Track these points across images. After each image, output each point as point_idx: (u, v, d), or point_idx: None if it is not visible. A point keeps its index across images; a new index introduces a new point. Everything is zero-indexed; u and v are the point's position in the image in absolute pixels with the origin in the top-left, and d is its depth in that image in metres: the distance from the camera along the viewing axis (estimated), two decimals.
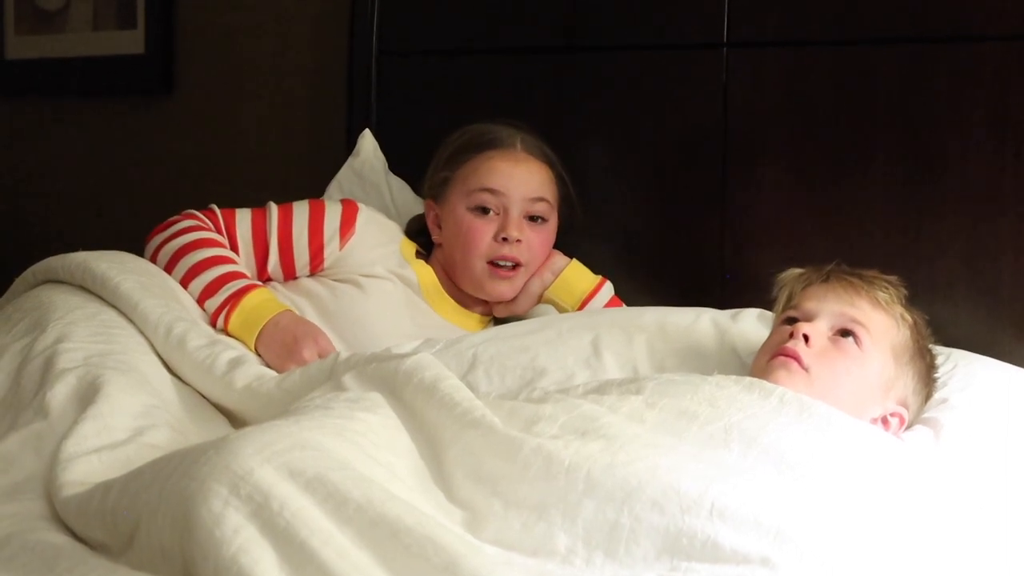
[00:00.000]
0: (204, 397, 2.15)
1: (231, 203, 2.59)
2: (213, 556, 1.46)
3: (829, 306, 2.05)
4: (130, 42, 3.68)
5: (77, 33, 3.81)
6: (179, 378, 2.18)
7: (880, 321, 2.04)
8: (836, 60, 2.56)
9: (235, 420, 2.12)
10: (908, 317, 2.07)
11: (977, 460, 2.00)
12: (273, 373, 2.10)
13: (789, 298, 2.12)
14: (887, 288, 2.08)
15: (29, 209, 4.04)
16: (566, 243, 2.64)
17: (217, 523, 1.49)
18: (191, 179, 3.62)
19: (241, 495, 1.51)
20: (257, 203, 2.59)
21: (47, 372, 2.04)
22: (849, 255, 2.24)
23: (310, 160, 3.36)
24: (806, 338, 2.00)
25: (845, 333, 2.02)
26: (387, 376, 1.88)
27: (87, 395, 1.97)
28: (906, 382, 2.05)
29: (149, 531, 1.57)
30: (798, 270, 2.16)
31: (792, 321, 2.06)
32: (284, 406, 1.98)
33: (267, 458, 1.55)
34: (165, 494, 1.56)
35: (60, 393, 1.98)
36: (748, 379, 1.93)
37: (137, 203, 3.73)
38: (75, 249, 2.44)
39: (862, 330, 2.02)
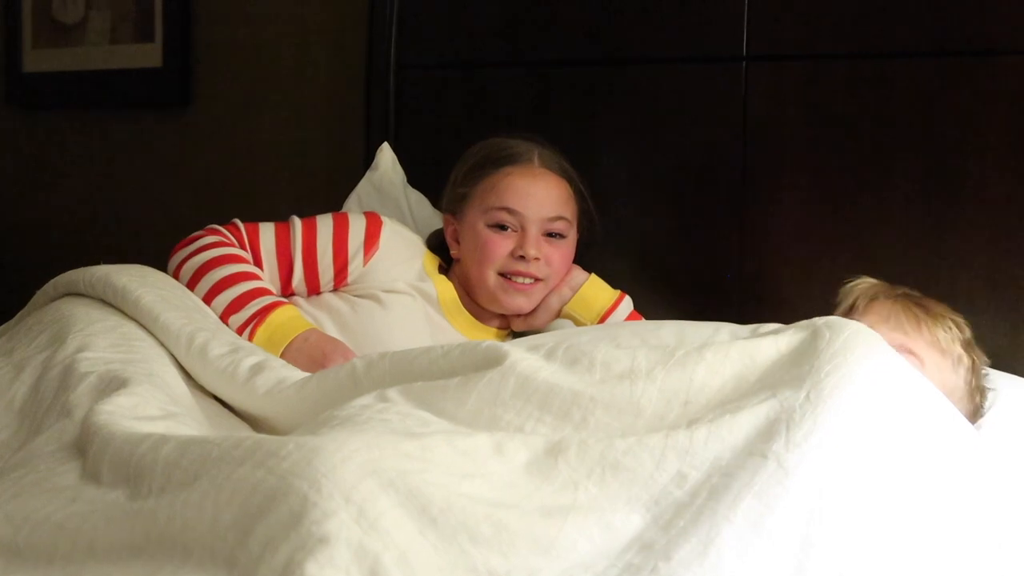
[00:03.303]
0: (227, 407, 2.14)
1: (248, 216, 2.59)
2: (290, 545, 1.48)
3: (887, 332, 2.01)
4: (148, 55, 3.69)
5: (95, 46, 3.82)
6: (201, 391, 2.17)
7: (935, 360, 2.01)
8: (856, 73, 2.56)
9: (260, 429, 2.11)
10: (966, 359, 2.04)
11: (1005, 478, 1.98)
12: (293, 378, 2.08)
13: (851, 308, 2.09)
14: (950, 328, 2.05)
15: (48, 222, 4.05)
16: (585, 257, 2.63)
17: (298, 521, 1.50)
18: (209, 192, 3.63)
19: (323, 493, 1.52)
20: (274, 216, 2.58)
21: (67, 378, 2.04)
22: (868, 270, 2.23)
23: (328, 173, 3.36)
24: None
25: None
26: (435, 393, 1.88)
27: (110, 389, 1.97)
28: None
29: (206, 497, 1.58)
30: (871, 280, 2.13)
31: None
32: (306, 412, 1.99)
33: (346, 457, 1.57)
34: (237, 476, 1.58)
35: (83, 393, 1.98)
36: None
37: (155, 216, 3.74)
38: (94, 262, 2.44)
39: (915, 361, 1.99)
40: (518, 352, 1.87)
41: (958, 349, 2.04)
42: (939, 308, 2.07)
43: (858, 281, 2.15)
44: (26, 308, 2.41)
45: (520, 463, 1.73)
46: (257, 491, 1.56)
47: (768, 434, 1.71)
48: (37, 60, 3.99)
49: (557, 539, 1.62)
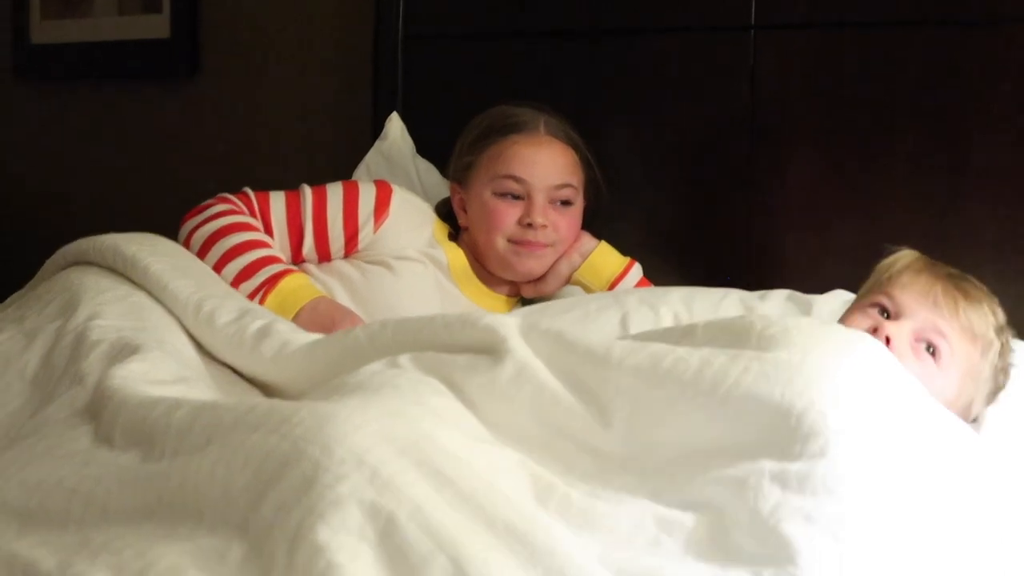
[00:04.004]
0: (237, 374, 2.15)
1: (257, 185, 2.60)
2: (301, 509, 1.49)
3: (923, 312, 2.00)
4: (155, 26, 3.69)
5: (102, 17, 3.83)
6: (211, 358, 2.18)
7: (965, 347, 2.00)
8: (864, 43, 2.56)
9: (269, 395, 2.12)
10: (996, 343, 2.04)
11: (1017, 453, 1.99)
12: (298, 341, 2.09)
13: (892, 279, 2.08)
14: (986, 315, 2.04)
15: (56, 192, 4.06)
16: (593, 225, 2.64)
17: (309, 485, 1.51)
18: (218, 162, 3.63)
19: (335, 458, 1.53)
20: (283, 186, 2.59)
21: (79, 346, 2.04)
22: (877, 239, 2.23)
23: (336, 143, 3.36)
24: (887, 340, 1.97)
25: (928, 346, 1.99)
26: (447, 366, 1.88)
27: (121, 355, 1.98)
28: (974, 400, 2.04)
29: (219, 461, 1.59)
30: (914, 254, 2.10)
31: (880, 308, 2.03)
32: (311, 378, 1.99)
33: (359, 424, 1.58)
34: (251, 442, 1.59)
35: (95, 360, 1.99)
36: None
37: (163, 186, 3.74)
38: (102, 231, 2.44)
39: (946, 345, 1.99)
40: (515, 340, 1.85)
41: (990, 334, 2.03)
42: (977, 292, 2.05)
43: (902, 253, 2.13)
44: (36, 277, 2.42)
45: None
46: (270, 456, 1.57)
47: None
48: (45, 31, 3.99)
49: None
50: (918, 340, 1.99)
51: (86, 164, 3.98)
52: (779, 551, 1.55)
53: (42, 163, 4.12)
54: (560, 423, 1.77)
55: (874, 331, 1.97)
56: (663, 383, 1.73)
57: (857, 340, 1.84)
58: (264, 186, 2.59)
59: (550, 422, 1.77)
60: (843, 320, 2.07)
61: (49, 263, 2.42)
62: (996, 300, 2.08)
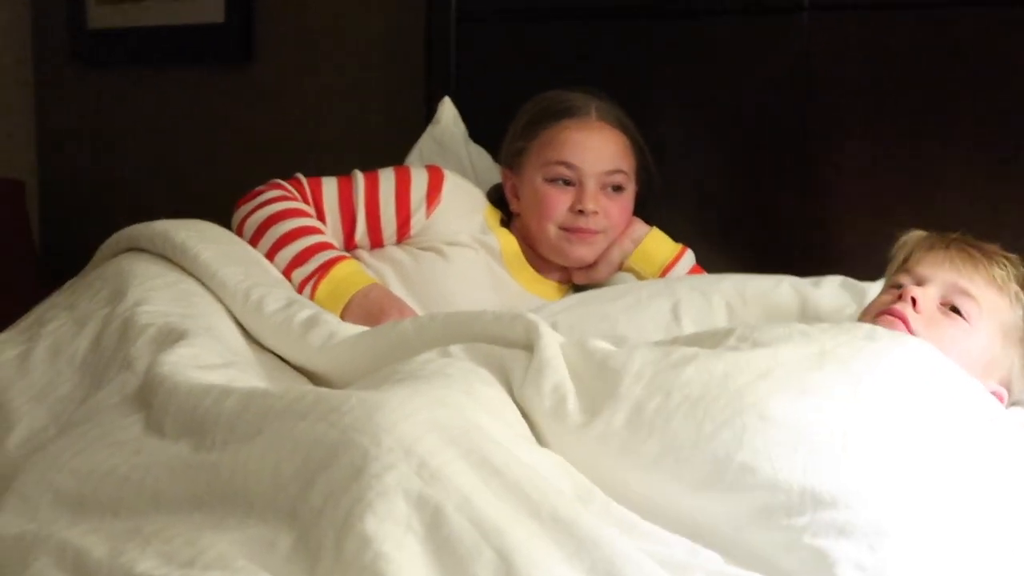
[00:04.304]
0: (284, 362, 2.16)
1: (309, 171, 2.60)
2: (350, 498, 1.50)
3: (943, 275, 2.02)
4: (210, 10, 3.70)
5: (158, 2, 3.84)
6: (259, 346, 2.19)
7: (992, 298, 2.01)
8: (919, 24, 2.53)
9: (316, 383, 2.12)
10: (1023, 296, 2.04)
11: None
12: (345, 332, 2.10)
13: (905, 260, 2.10)
14: (1005, 265, 2.04)
15: (111, 177, 4.09)
16: (645, 211, 2.62)
17: (358, 474, 1.52)
18: (271, 148, 3.64)
19: (383, 447, 1.54)
20: (336, 171, 2.59)
21: (128, 330, 2.06)
22: (932, 223, 2.21)
23: (389, 127, 3.37)
24: (914, 302, 1.98)
25: (954, 308, 2.00)
26: (497, 357, 1.88)
27: (169, 340, 1.99)
28: (1011, 363, 2.03)
29: (268, 450, 1.60)
30: (922, 232, 2.14)
31: (902, 286, 2.04)
32: (358, 369, 2.00)
33: (408, 413, 1.59)
34: (300, 431, 1.60)
35: (143, 345, 2.01)
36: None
37: (217, 171, 3.76)
38: (156, 217, 2.45)
39: (972, 303, 1.99)
40: (546, 339, 1.85)
41: (1014, 286, 2.03)
42: (991, 247, 2.07)
43: (907, 235, 2.14)
44: (90, 263, 2.43)
45: None
46: (319, 445, 1.58)
47: None
48: (101, 17, 4.01)
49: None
50: (944, 304, 2.00)
51: (141, 149, 4.01)
52: (816, 565, 1.56)
53: (97, 148, 4.15)
54: None
55: (899, 298, 1.99)
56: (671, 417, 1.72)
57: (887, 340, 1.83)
58: (317, 172, 2.60)
59: None
60: (869, 306, 2.07)
61: (101, 249, 2.43)
62: (1015, 257, 2.08)
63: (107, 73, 4.09)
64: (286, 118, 3.64)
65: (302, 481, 1.56)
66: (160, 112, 3.95)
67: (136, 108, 4.01)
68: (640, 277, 2.56)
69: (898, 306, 1.99)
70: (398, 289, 2.46)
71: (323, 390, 1.72)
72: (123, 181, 4.05)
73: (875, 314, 2.01)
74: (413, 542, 1.49)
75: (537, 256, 2.58)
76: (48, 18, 4.21)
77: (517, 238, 2.58)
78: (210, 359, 1.93)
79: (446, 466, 1.54)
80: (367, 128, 3.45)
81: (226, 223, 2.49)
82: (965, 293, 2.00)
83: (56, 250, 4.24)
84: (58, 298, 2.30)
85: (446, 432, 1.58)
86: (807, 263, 2.57)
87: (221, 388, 1.75)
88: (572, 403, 1.76)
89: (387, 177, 2.54)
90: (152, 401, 1.83)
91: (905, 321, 1.96)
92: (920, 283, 2.02)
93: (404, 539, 1.49)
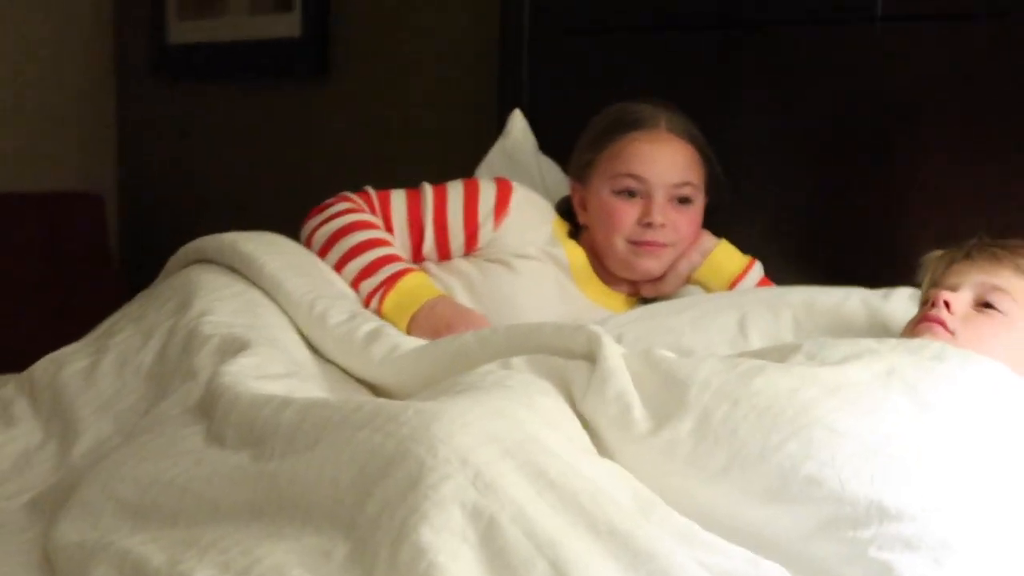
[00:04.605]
0: (348, 375, 2.17)
1: (383, 185, 2.61)
2: (405, 508, 1.51)
3: (971, 278, 2.01)
4: (286, 25, 3.72)
5: (235, 17, 3.88)
6: (322, 357, 2.20)
7: (1023, 287, 2.00)
8: (996, 32, 2.49)
9: (379, 395, 2.13)
10: None
11: None
12: (407, 346, 2.10)
13: (932, 279, 2.09)
14: None
15: (190, 191, 4.13)
16: (714, 223, 2.61)
17: (414, 484, 1.52)
18: (345, 161, 3.66)
19: (439, 457, 1.54)
20: (408, 184, 2.60)
21: (191, 341, 2.09)
22: (1010, 232, 2.19)
23: (463, 141, 3.37)
24: (947, 305, 1.97)
25: (989, 305, 1.98)
26: (559, 369, 1.87)
27: (232, 350, 2.01)
28: None
29: (326, 460, 1.61)
30: (939, 252, 2.13)
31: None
32: (420, 381, 2.01)
33: (465, 424, 1.59)
34: (357, 441, 1.61)
35: (206, 355, 2.03)
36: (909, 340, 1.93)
37: (292, 184, 3.79)
38: (232, 228, 2.49)
39: (1005, 296, 1.98)
40: (609, 349, 1.84)
41: None
42: (1014, 242, 2.08)
43: (927, 256, 2.14)
44: (161, 274, 2.46)
45: None
46: (375, 455, 1.58)
47: None
48: (182, 31, 4.06)
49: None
50: (979, 304, 1.99)
51: (219, 162, 4.05)
52: None
53: (177, 161, 4.19)
54: None
55: (932, 305, 1.99)
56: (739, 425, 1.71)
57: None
58: (390, 185, 2.61)
59: None
60: (907, 324, 2.06)
61: (172, 260, 2.46)
62: None
63: (187, 87, 4.13)
64: (359, 133, 3.66)
65: (359, 491, 1.56)
66: (238, 126, 3.99)
67: (215, 122, 4.05)
68: (708, 290, 2.55)
69: (932, 312, 1.97)
70: (466, 302, 2.46)
71: (381, 401, 1.72)
72: (202, 194, 4.09)
73: (913, 327, 1.99)
74: (467, 552, 1.49)
75: (605, 268, 2.57)
76: (130, 33, 4.26)
77: (585, 250, 2.57)
78: (272, 369, 1.95)
79: (501, 477, 1.54)
80: (441, 142, 3.46)
81: (301, 235, 2.51)
82: (996, 288, 1.99)
83: (136, 263, 4.28)
84: (128, 310, 2.33)
85: (502, 443, 1.58)
86: (882, 275, 2.54)
87: (280, 399, 1.76)
88: (637, 412, 1.75)
89: (455, 190, 2.55)
90: (213, 411, 1.84)
91: (942, 323, 1.95)
92: (951, 291, 2.01)
93: (459, 549, 1.49)
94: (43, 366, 2.20)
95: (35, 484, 2.00)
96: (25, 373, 2.23)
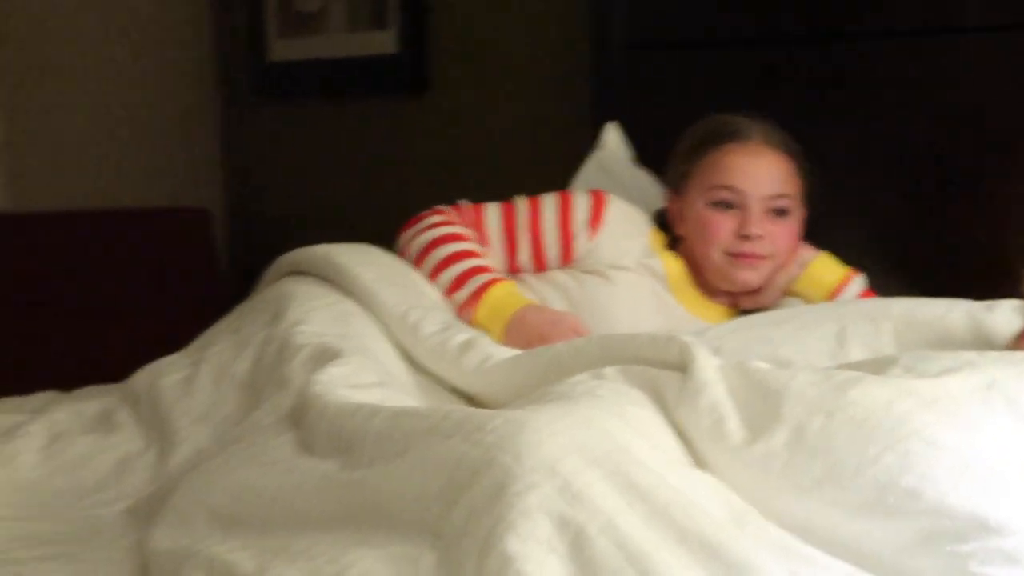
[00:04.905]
0: (440, 384, 2.17)
1: (479, 197, 2.62)
2: (492, 517, 1.50)
3: None
4: (383, 42, 3.75)
5: (334, 35, 3.91)
6: (415, 367, 2.21)
7: None
8: None
9: (472, 405, 2.13)
10: None
11: None
12: (500, 355, 2.10)
13: None
14: None
15: (293, 206, 4.16)
16: (811, 236, 2.58)
17: (500, 493, 1.51)
18: (441, 177, 3.67)
19: (526, 466, 1.53)
20: (506, 197, 2.61)
21: (284, 351, 2.11)
22: None
23: (558, 156, 3.36)
24: None
25: None
26: (651, 379, 1.86)
27: (324, 359, 2.02)
28: None
29: (413, 469, 1.61)
30: None
31: None
32: (512, 391, 2.00)
33: (553, 433, 1.58)
34: (444, 449, 1.61)
35: (298, 364, 2.05)
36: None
37: (390, 198, 3.80)
38: (333, 242, 2.50)
39: None
40: (703, 361, 1.82)
41: None
42: None
43: None
44: (258, 286, 2.48)
45: None
46: (462, 464, 1.58)
47: None
48: (282, 50, 4.09)
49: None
50: None
51: (321, 178, 4.08)
52: None
53: (279, 177, 4.23)
54: None
55: None
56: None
57: None
58: (488, 199, 2.61)
59: None
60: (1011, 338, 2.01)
61: (267, 273, 2.49)
62: None
63: (287, 104, 4.17)
64: (455, 148, 3.67)
65: (446, 500, 1.56)
66: (337, 142, 4.01)
67: (315, 138, 4.08)
68: (808, 301, 2.52)
69: None
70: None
71: (469, 409, 1.73)
72: (304, 209, 4.12)
73: (1017, 340, 1.96)
74: (555, 563, 1.48)
75: (704, 280, 2.55)
76: (233, 51, 4.31)
77: (683, 262, 2.56)
78: (363, 378, 1.95)
79: (589, 487, 1.53)
80: (537, 157, 3.45)
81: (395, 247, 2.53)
82: None
83: (242, 277, 4.32)
84: (225, 322, 2.36)
85: (590, 453, 1.57)
86: (982, 288, 2.50)
87: (369, 407, 1.77)
88: (731, 423, 1.73)
89: (549, 202, 2.55)
90: (303, 420, 1.85)
91: None
92: None
93: (546, 559, 1.48)
94: (142, 376, 2.24)
95: (133, 491, 2.04)
96: (126, 383, 2.27)
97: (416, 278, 2.43)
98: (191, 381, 2.17)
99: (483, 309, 2.38)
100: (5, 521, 1.93)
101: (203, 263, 4.06)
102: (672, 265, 2.54)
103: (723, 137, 2.51)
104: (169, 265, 3.91)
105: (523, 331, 2.34)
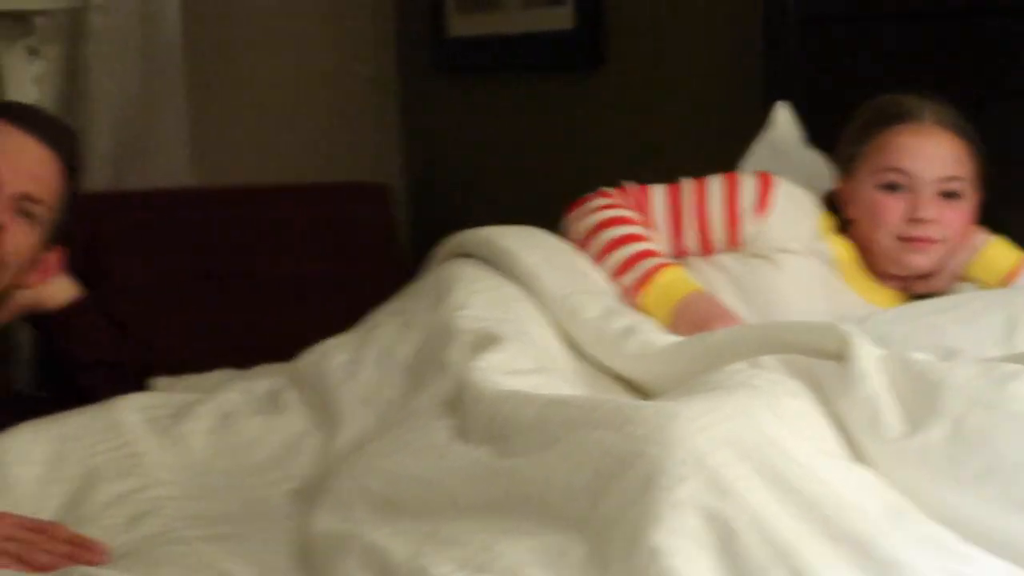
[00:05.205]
0: (600, 369, 2.17)
1: (653, 178, 2.61)
2: (640, 510, 1.51)
3: None
4: (559, 17, 3.74)
5: (511, 11, 3.92)
6: (576, 352, 2.21)
7: None
8: None
9: (632, 390, 2.13)
10: None
11: None
12: (661, 342, 2.10)
13: None
14: None
15: (472, 181, 4.20)
16: (993, 220, 2.52)
17: (649, 486, 1.52)
18: (616, 153, 3.66)
19: (675, 459, 1.53)
20: (674, 177, 2.60)
21: (445, 335, 2.12)
22: None
23: (730, 134, 3.34)
24: None
25: None
26: (810, 369, 1.85)
27: (483, 345, 2.04)
28: None
29: (563, 459, 1.62)
30: None
31: None
32: (671, 377, 2.00)
33: (703, 425, 1.58)
34: (594, 440, 1.62)
35: (458, 349, 2.06)
36: None
37: (568, 175, 3.80)
38: (505, 221, 2.52)
39: None
40: (861, 351, 1.79)
41: None
42: None
43: None
44: (425, 268, 2.51)
45: None
46: (610, 455, 1.58)
47: None
48: (460, 25, 4.12)
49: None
50: None
51: (498, 154, 4.10)
52: None
53: (458, 153, 4.26)
54: None
55: None
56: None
57: None
58: (660, 179, 2.60)
59: None
60: None
61: (435, 254, 2.51)
62: None
63: (465, 80, 4.20)
64: (630, 124, 3.65)
65: (595, 491, 1.57)
66: (515, 118, 4.03)
67: (493, 114, 4.11)
68: (982, 287, 2.47)
69: None
70: (728, 296, 2.44)
71: (621, 400, 1.73)
72: (482, 185, 4.15)
73: None
74: (703, 557, 1.49)
75: (873, 264, 2.51)
76: (412, 28, 4.35)
77: (853, 245, 2.52)
78: (521, 364, 1.97)
79: (739, 481, 1.53)
80: (710, 134, 3.43)
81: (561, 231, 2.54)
82: None
83: (421, 254, 4.36)
84: (392, 304, 2.39)
85: (741, 446, 1.57)
86: None
87: (523, 395, 1.78)
88: (889, 415, 1.71)
89: (716, 184, 2.53)
90: (459, 406, 1.88)
91: None
92: None
93: (694, 553, 1.48)
94: (310, 357, 2.28)
95: (299, 473, 2.07)
96: (293, 363, 2.31)
97: (581, 261, 2.44)
98: (356, 363, 2.20)
99: (651, 293, 2.38)
100: (174, 500, 1.99)
101: (382, 239, 4.10)
102: (841, 249, 2.51)
103: (893, 118, 2.46)
104: (348, 241, 3.95)
105: (690, 317, 2.33)
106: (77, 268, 2.54)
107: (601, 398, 1.78)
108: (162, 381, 2.50)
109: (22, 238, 2.28)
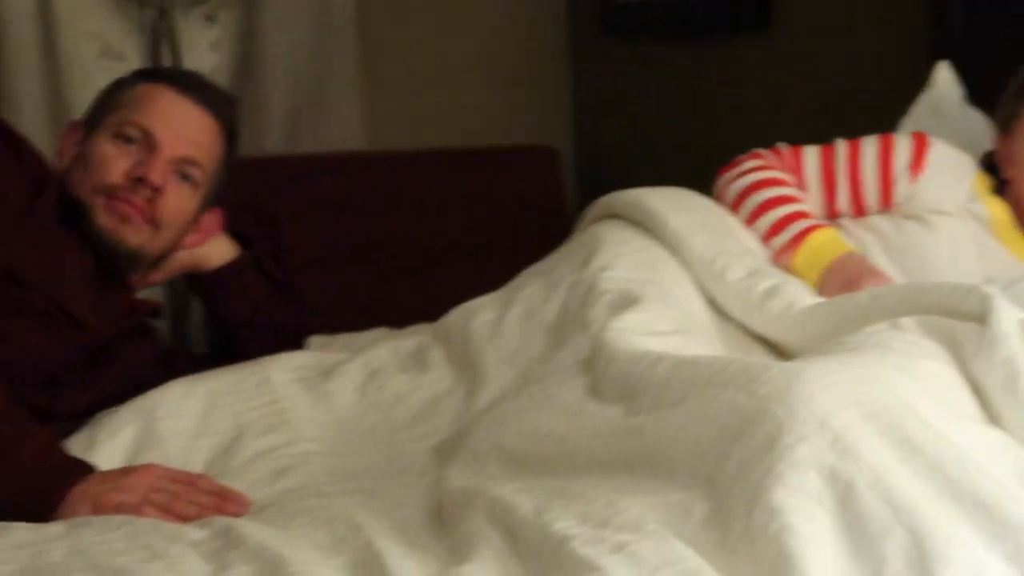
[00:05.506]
0: (743, 331, 2.17)
1: (815, 139, 2.58)
2: (761, 469, 1.51)
3: None
4: None
5: None
6: (721, 314, 2.21)
7: None
8: None
9: (774, 351, 2.12)
10: None
11: None
12: (804, 302, 2.08)
13: None
14: None
15: (639, 144, 4.20)
16: None
17: (771, 445, 1.52)
18: (783, 115, 3.63)
19: (797, 418, 1.53)
20: (829, 138, 2.57)
21: (588, 295, 2.14)
22: None
23: (897, 95, 3.29)
24: None
25: None
26: (949, 330, 1.82)
27: (623, 306, 2.05)
28: None
29: (690, 417, 1.64)
30: None
31: None
32: (811, 338, 1.99)
33: (828, 385, 1.58)
34: (720, 399, 1.62)
35: (600, 309, 2.08)
36: None
37: (729, 137, 3.77)
38: (669, 184, 2.52)
39: None
40: (1002, 313, 1.76)
41: None
42: None
43: None
44: (575, 231, 2.53)
45: None
46: (736, 414, 1.59)
47: None
48: None
49: None
50: None
51: (665, 117, 4.09)
52: None
53: (624, 116, 4.27)
54: None
55: None
56: None
57: None
58: (822, 139, 2.58)
59: None
60: None
61: (583, 218, 2.52)
62: None
63: (631, 42, 4.19)
64: (795, 84, 3.62)
65: (719, 450, 1.58)
66: (682, 80, 4.02)
67: (659, 77, 4.10)
68: None
69: None
70: (880, 258, 2.41)
71: (749, 360, 1.73)
72: (649, 148, 4.15)
73: None
74: (823, 516, 1.49)
75: None
76: None
77: (1010, 206, 2.47)
78: (660, 326, 1.98)
79: (861, 442, 1.52)
80: (873, 94, 3.38)
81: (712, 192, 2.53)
82: None
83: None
84: (539, 264, 2.41)
85: (865, 407, 1.56)
86: None
87: (656, 355, 1.79)
88: None
89: (870, 145, 2.50)
90: (595, 364, 1.89)
91: None
92: None
93: (814, 512, 1.48)
94: (455, 315, 2.31)
95: (441, 429, 2.11)
96: (440, 322, 2.34)
97: (731, 223, 2.43)
98: (500, 322, 2.23)
99: (802, 255, 2.36)
100: (320, 455, 2.05)
101: (550, 202, 4.12)
102: (997, 209, 2.46)
103: None
104: (517, 205, 3.98)
105: (840, 277, 2.31)
106: (246, 230, 2.59)
107: (730, 358, 1.78)
108: (317, 339, 2.56)
109: (180, 200, 2.34)
